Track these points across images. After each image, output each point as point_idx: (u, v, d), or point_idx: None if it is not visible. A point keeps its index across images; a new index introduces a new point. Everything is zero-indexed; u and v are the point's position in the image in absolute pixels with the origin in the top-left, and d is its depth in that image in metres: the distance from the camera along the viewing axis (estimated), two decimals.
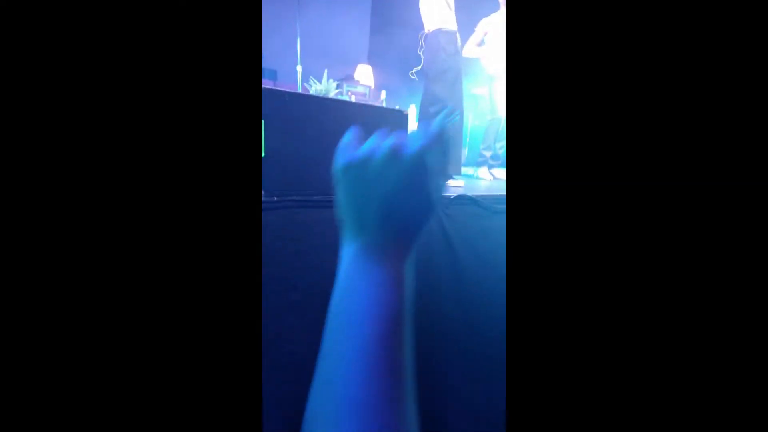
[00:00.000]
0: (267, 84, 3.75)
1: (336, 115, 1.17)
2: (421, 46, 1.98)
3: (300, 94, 1.23)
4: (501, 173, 2.83)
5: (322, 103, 1.19)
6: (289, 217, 1.08)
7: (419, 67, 2.02)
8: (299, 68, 2.43)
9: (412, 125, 2.66)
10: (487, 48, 2.58)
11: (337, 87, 2.54)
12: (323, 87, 2.19)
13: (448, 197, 1.49)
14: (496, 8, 2.57)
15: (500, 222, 1.69)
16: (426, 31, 1.94)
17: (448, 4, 1.91)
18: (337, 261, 0.86)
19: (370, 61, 4.42)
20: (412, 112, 3.42)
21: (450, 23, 1.91)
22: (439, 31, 1.89)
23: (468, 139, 4.14)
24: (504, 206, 1.72)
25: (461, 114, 1.94)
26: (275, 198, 1.05)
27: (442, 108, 1.87)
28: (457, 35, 1.93)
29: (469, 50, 2.56)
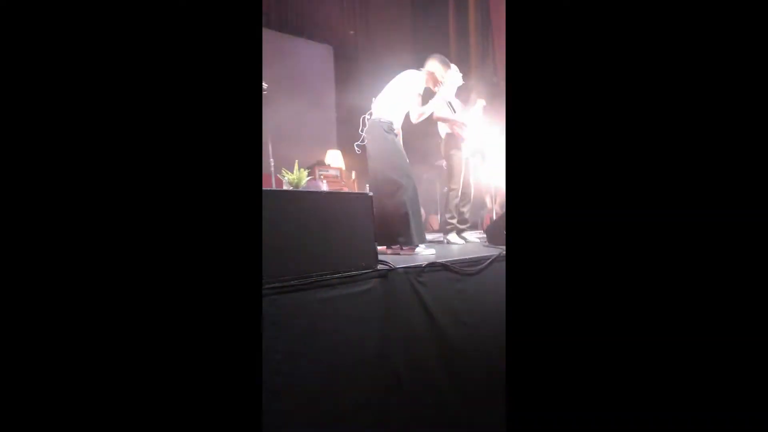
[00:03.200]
0: None
1: (308, 206, 1.29)
2: (362, 127, 2.23)
3: (275, 191, 1.36)
4: (471, 236, 2.98)
5: (295, 196, 1.32)
6: (269, 304, 1.15)
7: (361, 143, 2.26)
8: (272, 161, 2.62)
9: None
10: (454, 115, 2.83)
11: (309, 174, 2.72)
12: (295, 177, 2.36)
13: (420, 266, 1.60)
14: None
15: (473, 283, 1.79)
16: (368, 116, 2.20)
17: (403, 107, 2.21)
18: (308, 344, 0.94)
19: (339, 145, 4.76)
20: None
21: (392, 119, 2.18)
22: (377, 120, 2.15)
23: (440, 205, 4.38)
24: (474, 268, 1.82)
25: (413, 185, 2.12)
26: (271, 285, 1.13)
27: (396, 189, 2.05)
28: (393, 124, 2.19)
29: (439, 116, 2.82)
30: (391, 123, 2.18)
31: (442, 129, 2.89)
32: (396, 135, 2.19)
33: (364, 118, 2.22)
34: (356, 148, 2.29)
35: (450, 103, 2.51)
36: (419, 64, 2.34)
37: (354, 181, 4.25)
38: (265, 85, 2.70)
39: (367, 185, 4.03)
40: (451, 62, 2.40)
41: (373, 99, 2.27)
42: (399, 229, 2.06)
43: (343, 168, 4.35)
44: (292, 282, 1.21)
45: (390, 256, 1.96)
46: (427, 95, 2.37)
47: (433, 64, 2.32)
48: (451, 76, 2.35)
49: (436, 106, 2.75)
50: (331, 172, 4.08)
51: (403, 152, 2.16)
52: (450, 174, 2.88)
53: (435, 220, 4.85)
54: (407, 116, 2.34)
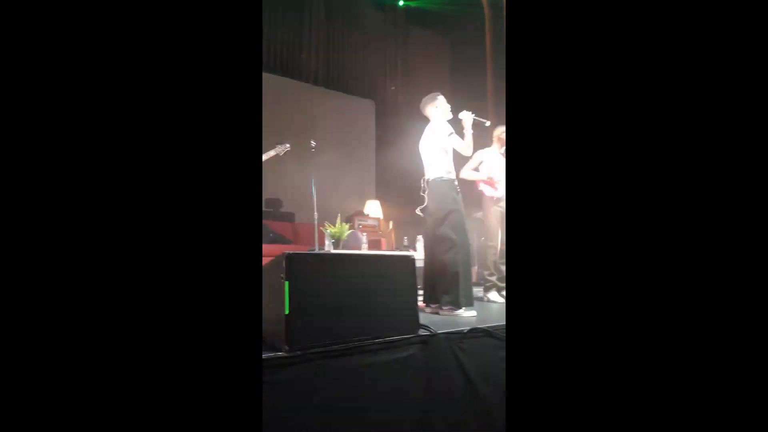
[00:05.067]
0: (286, 227, 4.10)
1: (351, 268, 1.32)
2: (424, 189, 2.23)
3: (319, 254, 1.41)
4: None
5: (338, 259, 1.36)
6: (313, 369, 1.16)
7: (423, 206, 2.25)
8: (315, 215, 2.72)
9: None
10: (481, 174, 2.86)
11: (349, 226, 2.80)
12: (337, 230, 2.43)
13: (462, 331, 1.56)
14: (490, 144, 2.95)
15: None
16: (427, 177, 2.21)
17: (447, 154, 2.21)
18: (355, 409, 0.94)
19: (378, 196, 4.88)
20: (421, 243, 3.64)
21: (450, 171, 2.18)
22: (440, 180, 2.16)
23: (476, 257, 4.31)
24: None
25: (468, 246, 2.09)
26: (299, 352, 1.15)
27: (450, 246, 2.03)
28: (456, 182, 2.19)
29: (466, 173, 2.84)
30: (454, 181, 2.19)
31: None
32: (458, 193, 2.19)
33: (424, 179, 2.25)
34: (418, 212, 2.29)
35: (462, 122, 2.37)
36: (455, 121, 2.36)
37: (392, 231, 4.30)
38: (313, 143, 2.88)
39: (403, 238, 4.05)
40: (489, 119, 2.43)
41: (424, 164, 2.29)
42: (447, 287, 2.02)
43: (381, 217, 4.43)
44: (335, 347, 1.21)
45: (430, 317, 1.93)
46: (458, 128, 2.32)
47: (426, 110, 2.33)
48: (441, 105, 2.30)
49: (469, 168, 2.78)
50: (370, 222, 4.17)
51: (464, 212, 2.16)
52: (487, 229, 2.86)
53: (474, 272, 4.75)
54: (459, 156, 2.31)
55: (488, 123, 2.30)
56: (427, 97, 2.34)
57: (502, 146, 2.92)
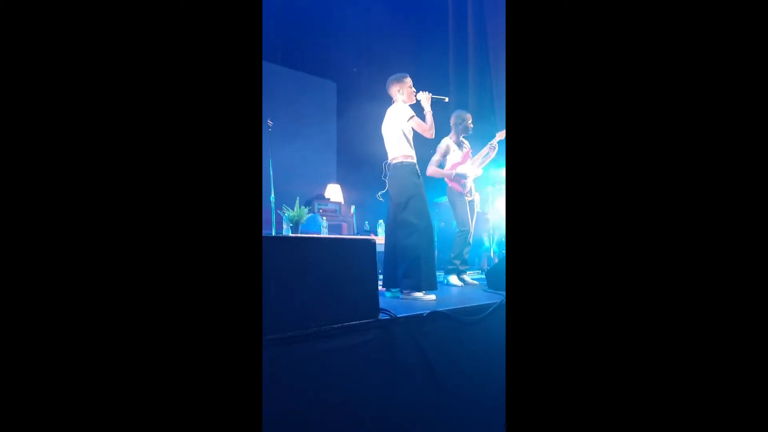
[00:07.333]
0: None
1: (310, 252, 1.27)
2: (385, 174, 2.18)
3: (276, 238, 1.35)
4: (470, 277, 2.95)
5: (296, 243, 1.30)
6: (269, 356, 1.11)
7: (384, 191, 2.21)
8: (272, 198, 2.62)
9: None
10: (447, 168, 2.85)
11: (309, 209, 2.72)
12: (295, 213, 2.35)
13: (422, 315, 1.56)
14: (448, 131, 2.94)
15: (473, 333, 1.75)
16: (390, 161, 2.17)
17: (407, 138, 2.17)
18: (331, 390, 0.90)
19: (339, 180, 4.78)
20: (383, 228, 3.62)
21: (411, 155, 2.15)
22: (401, 164, 2.13)
23: (436, 242, 4.36)
24: (475, 317, 1.78)
25: (431, 231, 2.08)
26: (270, 337, 1.10)
27: (413, 231, 2.01)
28: (416, 166, 2.16)
29: (432, 171, 2.83)
30: (415, 164, 2.16)
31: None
32: (419, 176, 2.16)
33: (386, 164, 2.19)
34: (379, 197, 2.24)
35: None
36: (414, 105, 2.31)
37: (353, 215, 4.25)
38: (270, 123, 2.74)
39: (365, 222, 4.02)
40: (450, 101, 2.39)
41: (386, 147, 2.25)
42: (408, 271, 2.01)
43: (343, 202, 4.36)
44: (290, 334, 1.17)
45: (390, 302, 1.92)
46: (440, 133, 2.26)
47: (391, 89, 2.26)
48: (406, 88, 2.24)
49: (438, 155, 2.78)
50: (331, 206, 4.09)
51: (425, 197, 2.13)
52: (456, 218, 2.87)
53: (434, 268, 4.81)
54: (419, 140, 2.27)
55: (447, 99, 2.28)
56: (393, 77, 2.26)
57: (456, 134, 2.90)
